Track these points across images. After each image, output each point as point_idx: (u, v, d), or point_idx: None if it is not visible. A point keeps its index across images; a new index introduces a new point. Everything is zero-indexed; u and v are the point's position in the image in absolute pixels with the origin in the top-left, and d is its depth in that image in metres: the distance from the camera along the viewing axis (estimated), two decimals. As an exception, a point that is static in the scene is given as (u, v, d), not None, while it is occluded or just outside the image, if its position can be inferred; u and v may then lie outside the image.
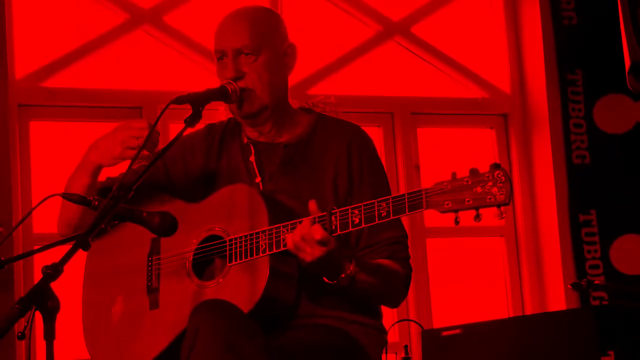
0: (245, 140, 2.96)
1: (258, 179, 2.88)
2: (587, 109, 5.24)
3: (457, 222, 2.40)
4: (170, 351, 2.68)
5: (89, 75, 4.72)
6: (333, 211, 2.58)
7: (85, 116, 4.68)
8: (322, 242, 2.56)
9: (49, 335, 2.11)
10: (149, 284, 2.83)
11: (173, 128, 4.67)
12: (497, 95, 5.36)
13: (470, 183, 2.37)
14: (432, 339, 3.92)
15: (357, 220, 2.54)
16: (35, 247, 2.72)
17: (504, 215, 2.36)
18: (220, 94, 2.80)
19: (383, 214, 2.50)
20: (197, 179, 2.98)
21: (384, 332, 2.94)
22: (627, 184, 5.16)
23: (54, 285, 2.14)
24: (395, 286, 2.87)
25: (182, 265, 2.79)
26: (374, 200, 2.54)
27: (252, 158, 2.92)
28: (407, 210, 2.45)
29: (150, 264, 2.85)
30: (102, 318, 2.89)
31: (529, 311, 5.14)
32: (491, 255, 5.30)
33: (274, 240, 2.65)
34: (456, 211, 2.39)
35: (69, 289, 2.72)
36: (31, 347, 2.79)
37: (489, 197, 2.35)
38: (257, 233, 2.68)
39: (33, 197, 4.45)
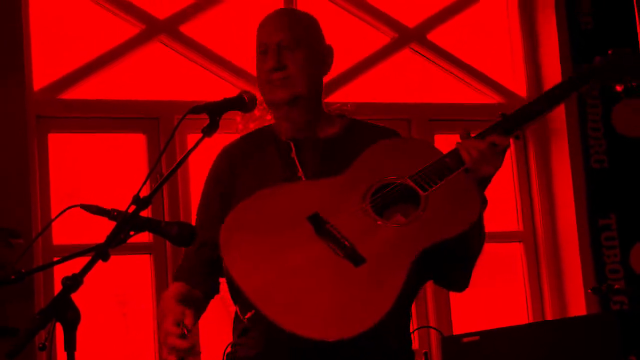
0: (284, 138, 2.95)
1: (300, 174, 2.87)
2: (604, 113, 5.23)
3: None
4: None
5: (106, 86, 4.74)
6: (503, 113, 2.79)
7: (103, 127, 4.70)
8: (502, 144, 2.72)
9: (70, 346, 2.11)
10: (341, 246, 2.59)
11: (191, 138, 4.69)
12: (513, 100, 5.35)
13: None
14: (452, 345, 3.91)
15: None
16: (55, 259, 2.73)
17: None
18: (237, 103, 2.79)
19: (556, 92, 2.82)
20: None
21: None
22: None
23: (75, 297, 2.14)
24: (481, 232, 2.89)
25: (365, 220, 2.66)
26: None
27: (293, 154, 2.91)
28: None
29: (325, 235, 2.62)
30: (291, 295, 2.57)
31: (549, 317, 5.13)
32: (510, 260, 5.29)
33: (454, 159, 2.72)
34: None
35: (89, 300, 2.72)
36: (52, 358, 2.80)
37: None
38: (434, 162, 2.73)
39: (52, 209, 4.47)
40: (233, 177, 2.94)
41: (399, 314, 2.69)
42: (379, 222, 2.64)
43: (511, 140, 2.77)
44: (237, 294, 2.58)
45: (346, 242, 2.58)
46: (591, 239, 5.11)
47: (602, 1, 5.28)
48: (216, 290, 2.91)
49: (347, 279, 2.53)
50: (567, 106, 5.20)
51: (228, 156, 2.99)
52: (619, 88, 2.83)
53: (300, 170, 2.87)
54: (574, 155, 5.18)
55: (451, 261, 2.75)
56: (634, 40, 2.46)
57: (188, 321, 2.62)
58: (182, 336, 2.58)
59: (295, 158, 2.90)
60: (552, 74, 5.28)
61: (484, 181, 2.74)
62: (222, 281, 2.79)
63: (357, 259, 2.55)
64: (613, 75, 2.87)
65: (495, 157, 2.73)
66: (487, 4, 5.48)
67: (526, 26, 5.43)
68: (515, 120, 2.80)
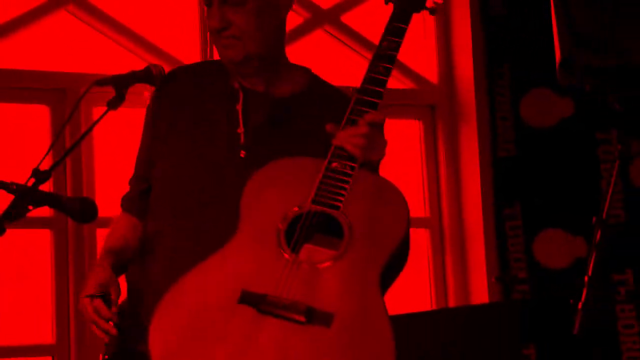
0: (237, 85, 2.74)
1: (240, 130, 2.68)
2: (513, 103, 5.27)
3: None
4: None
5: (10, 56, 4.62)
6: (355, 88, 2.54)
7: (4, 97, 4.58)
8: (379, 120, 2.48)
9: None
10: (296, 312, 2.25)
11: (96, 111, 4.59)
12: (424, 85, 5.35)
13: None
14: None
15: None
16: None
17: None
18: (144, 77, 2.74)
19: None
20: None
21: None
22: (551, 178, 5.20)
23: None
24: None
25: (300, 272, 2.32)
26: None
27: (238, 106, 2.71)
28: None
29: (270, 309, 2.27)
30: None
31: (452, 304, 5.15)
32: (416, 247, 5.30)
33: (341, 159, 2.44)
34: None
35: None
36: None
37: None
38: (324, 173, 2.43)
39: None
40: (168, 113, 2.78)
41: None
42: (318, 265, 2.30)
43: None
44: None
45: (299, 306, 2.23)
46: (496, 227, 5.14)
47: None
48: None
49: (330, 344, 2.21)
50: (477, 95, 5.22)
51: (170, 86, 2.81)
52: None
53: (241, 124, 2.68)
54: (482, 144, 5.20)
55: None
56: (545, 29, 2.45)
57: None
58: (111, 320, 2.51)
59: (240, 110, 2.70)
60: (464, 60, 5.30)
61: (377, 166, 2.56)
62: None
63: (324, 317, 2.23)
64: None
65: (379, 136, 2.50)
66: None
67: (439, 10, 5.44)
68: (373, 91, 2.52)
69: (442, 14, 5.41)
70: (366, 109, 2.50)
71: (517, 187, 5.20)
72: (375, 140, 2.48)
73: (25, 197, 2.35)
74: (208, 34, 4.84)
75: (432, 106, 5.37)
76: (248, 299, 2.27)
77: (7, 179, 2.58)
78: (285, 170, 2.51)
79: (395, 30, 2.64)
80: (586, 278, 3.13)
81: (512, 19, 5.27)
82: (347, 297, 2.27)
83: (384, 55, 2.59)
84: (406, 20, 2.66)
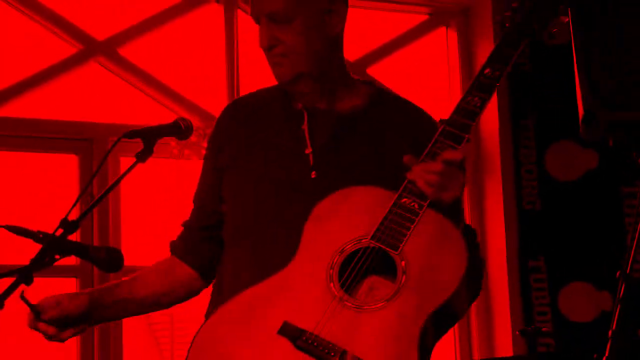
0: (300, 106, 2.61)
1: (308, 150, 2.55)
2: (538, 155, 5.27)
3: None
4: None
5: (41, 105, 4.67)
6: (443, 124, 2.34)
7: (35, 146, 4.63)
8: (457, 159, 2.28)
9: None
10: (331, 356, 2.21)
11: (124, 161, 4.63)
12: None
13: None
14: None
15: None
16: (-23, 280, 2.66)
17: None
18: (172, 129, 2.75)
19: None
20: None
21: None
22: (576, 231, 5.19)
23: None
24: (479, 274, 2.52)
25: (344, 312, 2.24)
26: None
27: (304, 126, 2.59)
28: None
29: (307, 348, 2.23)
30: None
31: (477, 357, 5.13)
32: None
33: (412, 195, 2.29)
34: None
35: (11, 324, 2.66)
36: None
37: None
38: (391, 208, 2.30)
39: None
40: (233, 143, 2.66)
41: None
42: (364, 307, 2.24)
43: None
44: None
45: (335, 348, 2.18)
46: (520, 280, 5.13)
47: (540, 48, 5.33)
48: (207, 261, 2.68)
49: None
50: (502, 148, 5.23)
51: (231, 117, 2.72)
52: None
53: (309, 145, 2.56)
54: (507, 196, 5.20)
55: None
56: (568, 83, 2.47)
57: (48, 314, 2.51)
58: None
59: (306, 130, 2.59)
60: (489, 114, 5.31)
61: (452, 207, 2.34)
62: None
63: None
64: (537, 19, 2.45)
65: (455, 175, 2.31)
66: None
67: (465, 64, 5.46)
68: (461, 124, 2.36)
69: (468, 66, 5.44)
70: (450, 142, 2.33)
71: (542, 240, 5.19)
72: (451, 180, 2.30)
73: (52, 246, 2.37)
74: (235, 85, 4.89)
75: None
76: (287, 331, 2.23)
77: (36, 227, 2.62)
78: (353, 199, 2.41)
79: (502, 55, 2.47)
80: (610, 332, 3.11)
81: (537, 73, 5.29)
82: (383, 349, 2.19)
83: (483, 84, 2.44)
84: (516, 46, 2.48)
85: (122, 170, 2.62)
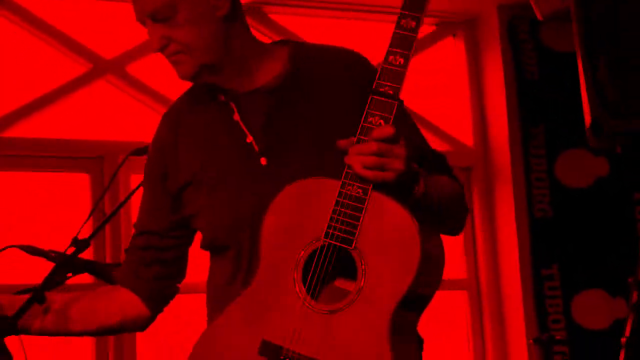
0: (223, 97, 2.51)
1: (249, 139, 2.45)
2: (549, 163, 5.27)
3: None
4: None
5: (51, 125, 4.69)
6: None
7: (46, 166, 4.64)
8: (389, 134, 2.14)
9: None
10: None
11: (134, 178, 4.64)
12: (460, 148, 5.38)
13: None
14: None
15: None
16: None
17: None
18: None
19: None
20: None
21: None
22: (588, 238, 5.19)
23: (8, 340, 2.10)
24: (461, 202, 2.47)
25: (316, 319, 2.21)
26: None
27: (235, 116, 2.48)
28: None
29: None
30: None
31: (491, 366, 5.13)
32: (454, 309, 5.29)
33: (354, 182, 2.17)
34: None
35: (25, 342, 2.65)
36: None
37: None
38: (337, 200, 2.19)
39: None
40: (174, 150, 2.57)
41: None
42: (332, 309, 2.19)
43: None
44: None
45: None
46: (534, 288, 5.12)
47: (549, 55, 5.34)
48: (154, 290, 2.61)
49: None
50: (512, 156, 5.24)
51: (167, 124, 2.65)
52: None
53: (248, 134, 2.46)
54: (518, 205, 5.20)
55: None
56: (577, 91, 2.47)
57: None
58: None
59: (239, 120, 2.48)
60: (498, 123, 5.31)
61: (400, 184, 2.20)
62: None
63: None
64: None
65: (394, 150, 2.17)
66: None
67: (473, 75, 5.48)
68: (389, 90, 2.24)
69: (476, 77, 5.45)
70: (381, 113, 2.20)
71: (555, 248, 5.18)
72: (390, 156, 2.16)
73: (64, 265, 2.39)
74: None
75: (468, 168, 5.39)
76: (266, 351, 2.20)
77: (50, 247, 2.63)
78: (303, 195, 2.26)
79: (414, 3, 2.24)
80: (623, 339, 3.11)
81: (546, 82, 5.30)
82: (355, 349, 2.16)
83: (402, 38, 2.26)
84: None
85: (133, 187, 2.63)
